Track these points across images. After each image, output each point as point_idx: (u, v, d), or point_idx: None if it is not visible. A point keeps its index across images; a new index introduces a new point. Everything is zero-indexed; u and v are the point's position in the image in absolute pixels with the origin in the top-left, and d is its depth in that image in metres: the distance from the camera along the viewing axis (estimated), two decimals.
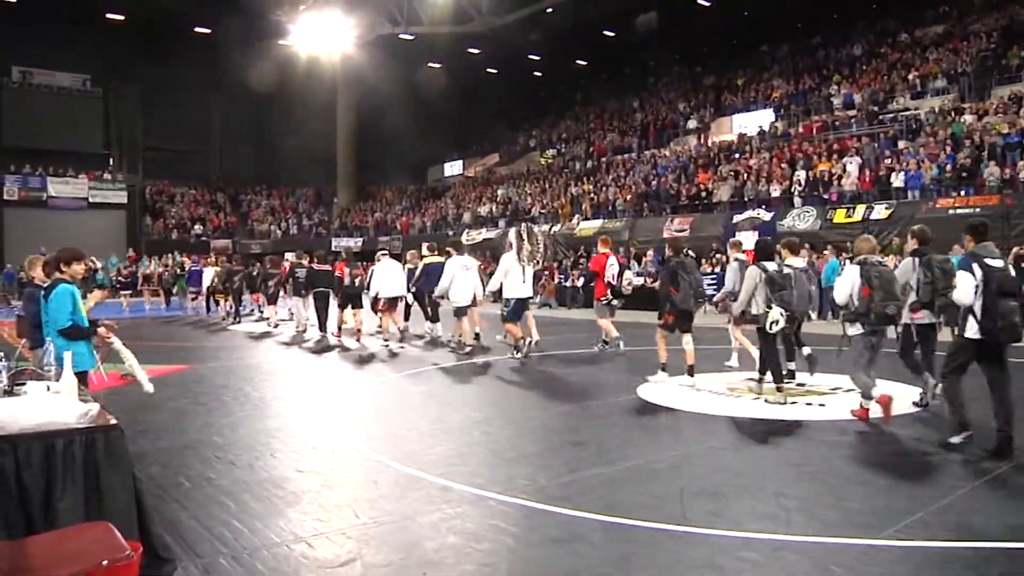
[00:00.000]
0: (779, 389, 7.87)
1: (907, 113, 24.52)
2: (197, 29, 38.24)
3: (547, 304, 23.42)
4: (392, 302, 13.87)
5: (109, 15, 36.67)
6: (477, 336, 13.06)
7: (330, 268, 14.97)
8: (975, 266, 5.72)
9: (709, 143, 30.95)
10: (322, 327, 14.59)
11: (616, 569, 3.91)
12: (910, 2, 31.28)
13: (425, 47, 38.77)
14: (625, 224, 27.36)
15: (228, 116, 44.73)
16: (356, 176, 45.29)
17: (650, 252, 23.22)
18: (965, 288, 5.73)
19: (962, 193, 19.72)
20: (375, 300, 13.98)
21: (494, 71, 44.23)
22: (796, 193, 23.41)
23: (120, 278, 26.35)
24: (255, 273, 19.35)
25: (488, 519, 4.63)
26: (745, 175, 25.61)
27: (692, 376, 8.91)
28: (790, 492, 5.00)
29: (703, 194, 26.28)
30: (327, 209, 45.65)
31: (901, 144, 23.11)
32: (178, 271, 26.36)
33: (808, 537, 4.21)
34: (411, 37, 37.68)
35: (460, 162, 46.48)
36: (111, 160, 41.51)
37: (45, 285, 5.72)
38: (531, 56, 43.28)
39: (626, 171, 32.03)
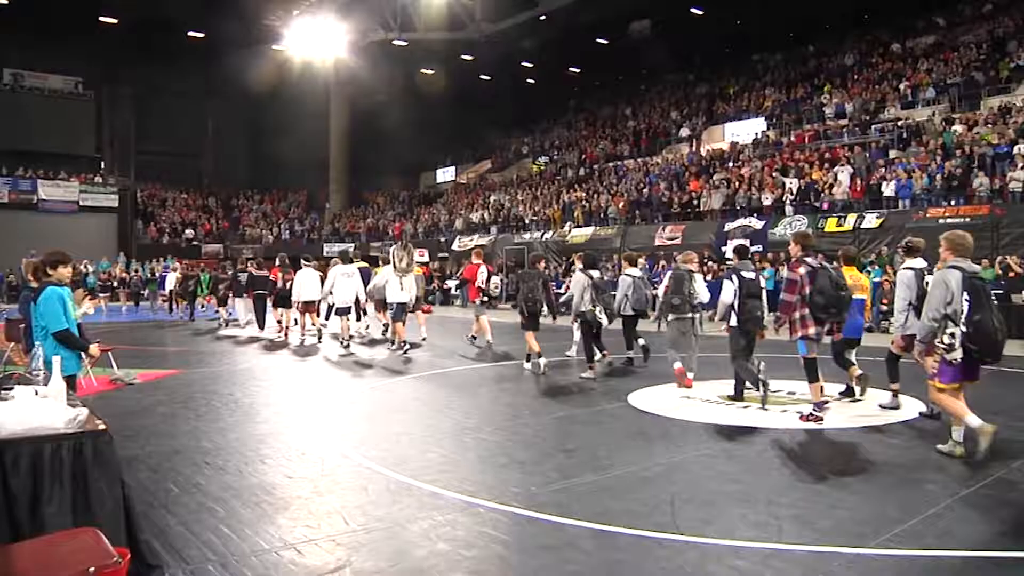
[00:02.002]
0: (590, 368, 10.25)
1: (898, 123, 24.68)
2: (190, 33, 38.20)
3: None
4: (308, 304, 15.54)
5: (102, 18, 36.58)
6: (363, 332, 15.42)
7: (267, 273, 17.30)
8: (734, 277, 8.18)
9: (701, 151, 31.06)
10: (260, 324, 17.40)
11: None
12: (901, 13, 31.51)
13: (419, 53, 38.79)
14: (617, 232, 27.42)
15: (221, 120, 44.67)
16: (349, 181, 45.30)
17: (641, 260, 23.20)
18: (727, 292, 8.20)
19: (952, 203, 19.85)
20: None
21: (487, 77, 44.28)
22: (788, 202, 23.50)
23: (99, 282, 27.57)
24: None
25: (478, 526, 4.62)
26: (737, 183, 25.71)
27: (539, 356, 10.73)
28: (781, 500, 5.00)
29: (695, 202, 26.36)
30: (319, 214, 45.62)
31: (892, 154, 23.26)
32: (149, 275, 28.87)
33: (799, 545, 4.22)
34: (404, 43, 37.73)
35: (452, 168, 46.53)
36: (103, 163, 41.37)
37: (35, 287, 5.69)
38: (524, 63, 43.35)
39: (618, 179, 32.10)
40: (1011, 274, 16.42)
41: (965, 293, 5.74)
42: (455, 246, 32.71)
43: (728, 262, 11.57)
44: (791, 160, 25.39)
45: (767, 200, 24.01)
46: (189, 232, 40.90)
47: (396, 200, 45.08)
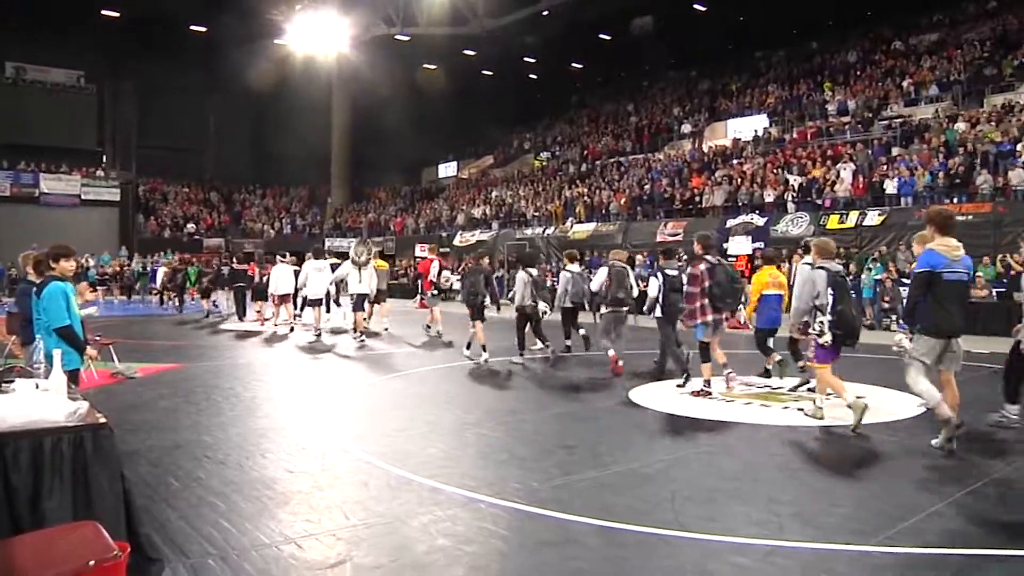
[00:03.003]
0: (520, 355, 11.43)
1: (901, 120, 24.62)
2: (193, 27, 38.14)
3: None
4: (284, 297, 16.84)
5: (104, 12, 36.54)
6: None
7: (246, 268, 18.72)
8: (659, 274, 9.65)
9: (703, 148, 31.01)
10: (239, 315, 18.68)
11: (607, 573, 3.91)
12: (905, 9, 31.43)
13: (421, 48, 38.75)
14: (618, 228, 27.37)
15: (223, 115, 44.59)
16: (350, 176, 45.26)
17: (639, 257, 23.23)
18: (653, 287, 9.66)
19: (955, 200, 19.80)
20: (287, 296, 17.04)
21: (489, 73, 44.26)
22: (790, 199, 23.46)
23: (97, 275, 28.87)
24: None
25: (479, 522, 4.62)
26: (739, 180, 25.66)
27: (483, 350, 11.54)
28: (782, 497, 5.00)
29: (697, 199, 26.32)
30: (321, 209, 45.58)
31: (894, 151, 23.20)
32: (141, 270, 30.58)
33: (800, 543, 4.21)
34: (407, 38, 37.67)
35: (454, 163, 46.48)
36: (104, 157, 41.32)
37: (38, 282, 5.68)
38: (527, 58, 43.32)
39: (620, 175, 32.06)
40: (1012, 272, 16.38)
41: (830, 288, 6.94)
42: (457, 241, 32.69)
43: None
44: (793, 157, 25.34)
45: (769, 197, 23.96)
46: (191, 226, 40.89)
47: (398, 195, 45.05)
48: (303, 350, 13.78)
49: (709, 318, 8.47)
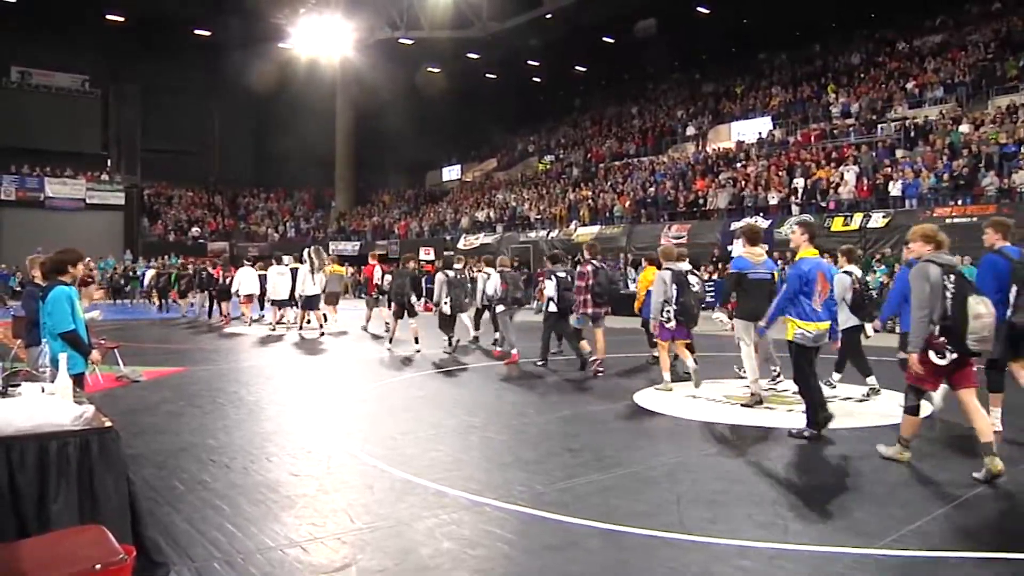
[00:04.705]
0: (453, 350, 13.03)
1: (905, 122, 24.58)
2: (197, 31, 38.28)
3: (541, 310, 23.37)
4: (249, 298, 18.79)
5: (108, 16, 36.67)
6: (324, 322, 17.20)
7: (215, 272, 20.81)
8: (553, 276, 11.07)
9: (707, 150, 30.99)
10: (209, 314, 20.88)
11: None
12: (908, 11, 31.40)
13: (424, 51, 38.84)
14: (622, 231, 27.37)
15: (227, 118, 44.72)
16: (354, 179, 45.34)
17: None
18: (550, 287, 11.07)
19: (959, 202, 19.76)
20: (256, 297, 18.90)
21: (493, 76, 44.33)
22: (794, 201, 23.43)
23: (88, 277, 29.99)
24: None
25: (484, 525, 4.61)
26: (743, 183, 25.64)
27: (417, 343, 13.14)
28: (787, 500, 4.99)
29: (701, 201, 26.30)
30: (325, 212, 45.62)
31: (899, 153, 23.16)
32: (131, 273, 31.78)
33: (805, 546, 4.20)
34: (410, 41, 37.77)
35: (458, 167, 46.53)
36: (109, 161, 41.44)
37: (44, 286, 5.69)
38: (530, 61, 43.37)
39: (624, 177, 32.06)
40: None
41: (674, 285, 8.95)
42: (460, 244, 32.72)
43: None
44: (797, 159, 25.31)
45: (773, 199, 23.95)
46: (195, 230, 40.99)
47: (402, 198, 45.10)
48: (305, 354, 13.82)
49: (589, 311, 10.34)
